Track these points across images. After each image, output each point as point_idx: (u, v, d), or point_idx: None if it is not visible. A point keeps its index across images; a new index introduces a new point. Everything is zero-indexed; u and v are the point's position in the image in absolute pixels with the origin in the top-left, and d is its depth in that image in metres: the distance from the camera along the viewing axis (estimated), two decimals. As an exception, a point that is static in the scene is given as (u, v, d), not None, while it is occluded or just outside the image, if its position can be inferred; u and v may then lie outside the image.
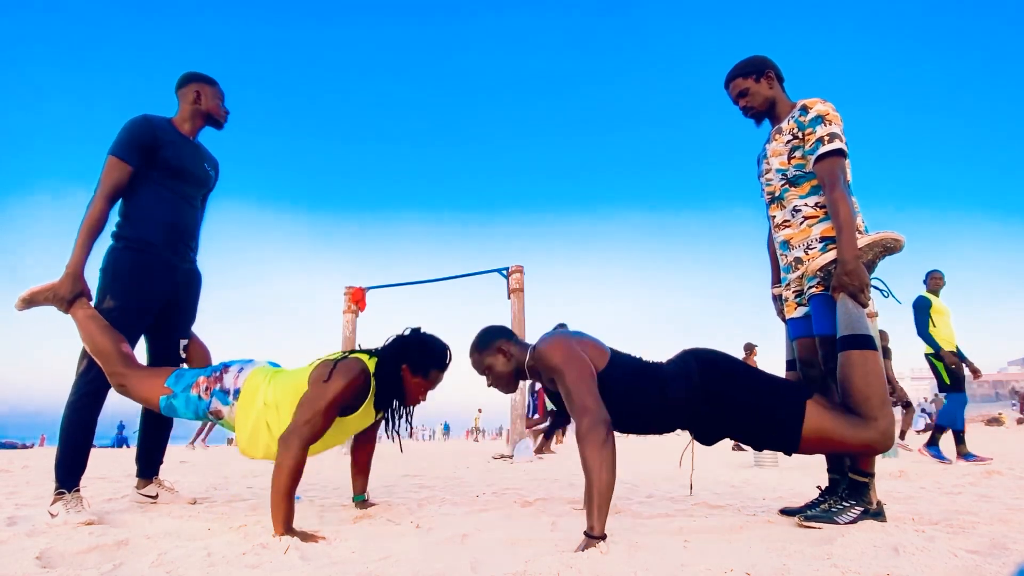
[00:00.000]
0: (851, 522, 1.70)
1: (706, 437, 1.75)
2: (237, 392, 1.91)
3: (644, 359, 1.82)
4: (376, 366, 1.91)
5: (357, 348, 2.01)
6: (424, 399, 2.01)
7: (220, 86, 2.39)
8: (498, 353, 1.86)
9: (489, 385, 1.93)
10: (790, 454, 1.68)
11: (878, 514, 1.74)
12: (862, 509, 1.73)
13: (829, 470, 1.97)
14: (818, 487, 2.00)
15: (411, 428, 2.04)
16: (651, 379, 1.73)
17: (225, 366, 1.99)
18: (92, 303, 2.07)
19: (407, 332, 2.01)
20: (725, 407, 1.68)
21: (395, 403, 2.02)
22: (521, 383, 5.33)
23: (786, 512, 1.89)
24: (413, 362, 1.92)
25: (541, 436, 6.53)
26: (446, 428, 38.27)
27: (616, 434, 1.59)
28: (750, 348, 7.64)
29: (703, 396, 1.68)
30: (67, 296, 1.98)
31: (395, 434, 2.05)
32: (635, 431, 1.79)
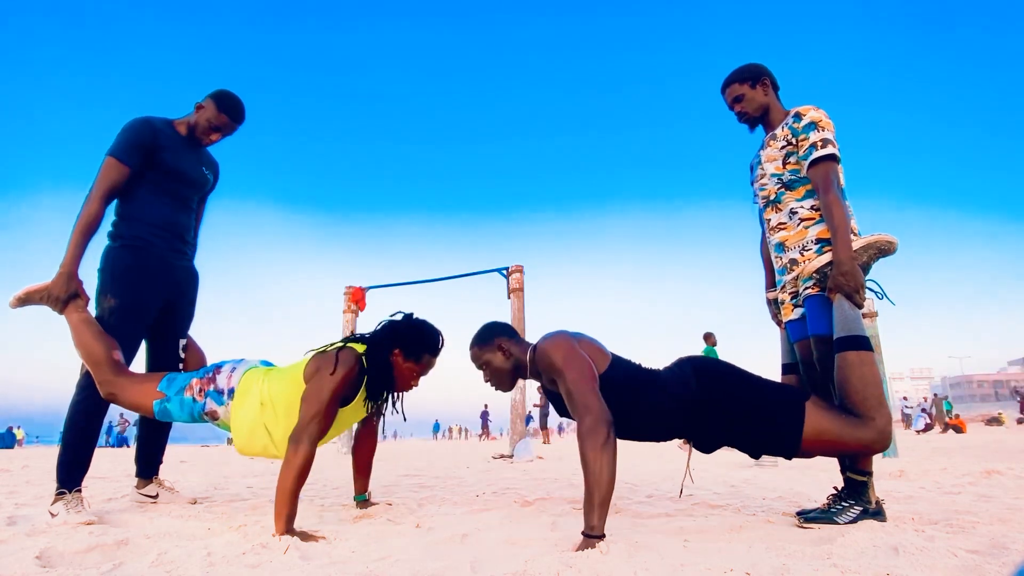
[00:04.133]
0: (851, 522, 1.70)
1: (705, 445, 1.75)
2: (232, 392, 1.90)
3: (643, 365, 1.81)
4: (367, 351, 1.88)
5: (351, 336, 1.99)
6: (416, 384, 1.99)
7: (234, 118, 2.29)
8: (498, 350, 1.85)
9: (486, 381, 1.91)
10: (791, 458, 1.67)
11: (877, 513, 1.74)
12: (861, 508, 1.73)
13: (843, 471, 1.95)
14: (834, 488, 1.97)
15: (404, 416, 2.00)
16: (650, 384, 1.72)
17: (217, 367, 1.98)
18: (91, 303, 2.06)
19: (398, 316, 1.99)
20: (723, 412, 1.67)
21: (386, 391, 1.98)
22: (520, 382, 5.28)
23: (801, 514, 1.88)
24: (405, 346, 1.90)
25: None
26: (436, 428, 38.40)
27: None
28: (708, 336, 7.36)
29: (701, 401, 1.68)
30: (61, 296, 1.97)
31: (387, 418, 2.00)
32: (634, 437, 1.78)
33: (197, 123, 2.27)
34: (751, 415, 1.66)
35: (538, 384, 1.94)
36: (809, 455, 1.66)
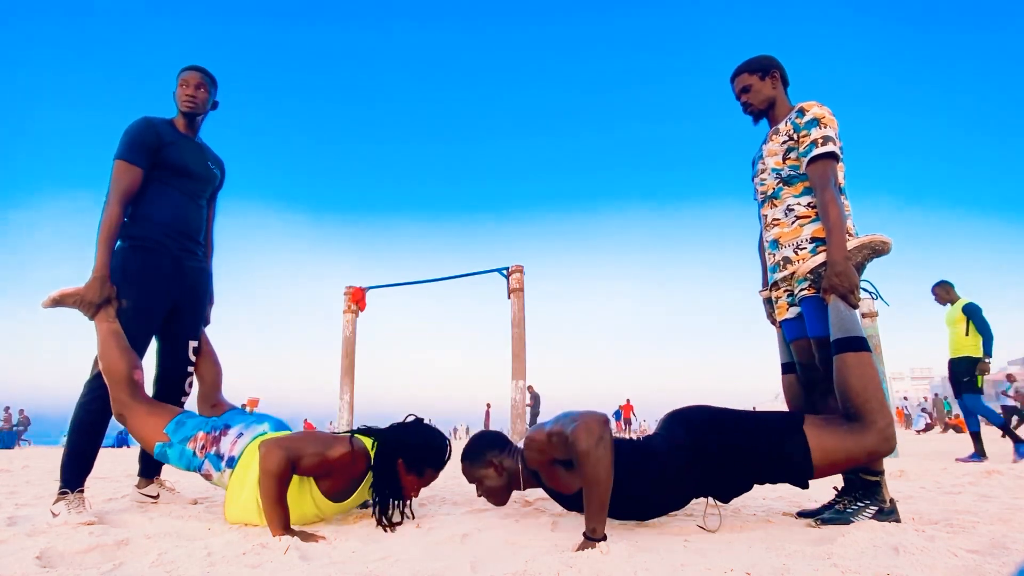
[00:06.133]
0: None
1: (724, 495, 1.71)
2: (232, 460, 1.87)
3: (633, 439, 1.77)
4: (375, 457, 1.86)
5: (362, 427, 1.97)
6: (417, 495, 1.93)
7: (194, 68, 2.29)
8: (489, 466, 1.81)
9: (480, 495, 1.87)
10: (807, 485, 1.63)
11: (892, 512, 1.72)
12: (877, 508, 1.72)
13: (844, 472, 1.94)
14: (834, 488, 1.98)
15: (412, 515, 1.93)
16: (647, 459, 1.67)
17: (226, 426, 1.96)
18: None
19: (409, 420, 1.97)
20: (728, 462, 1.64)
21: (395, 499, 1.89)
22: (519, 382, 5.27)
23: (803, 515, 1.88)
24: (409, 459, 1.85)
25: None
26: None
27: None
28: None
29: (702, 460, 1.64)
30: (95, 300, 1.98)
31: (385, 520, 1.82)
32: (652, 515, 1.75)
33: (177, 99, 2.29)
34: (755, 455, 1.63)
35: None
36: (825, 476, 1.64)
